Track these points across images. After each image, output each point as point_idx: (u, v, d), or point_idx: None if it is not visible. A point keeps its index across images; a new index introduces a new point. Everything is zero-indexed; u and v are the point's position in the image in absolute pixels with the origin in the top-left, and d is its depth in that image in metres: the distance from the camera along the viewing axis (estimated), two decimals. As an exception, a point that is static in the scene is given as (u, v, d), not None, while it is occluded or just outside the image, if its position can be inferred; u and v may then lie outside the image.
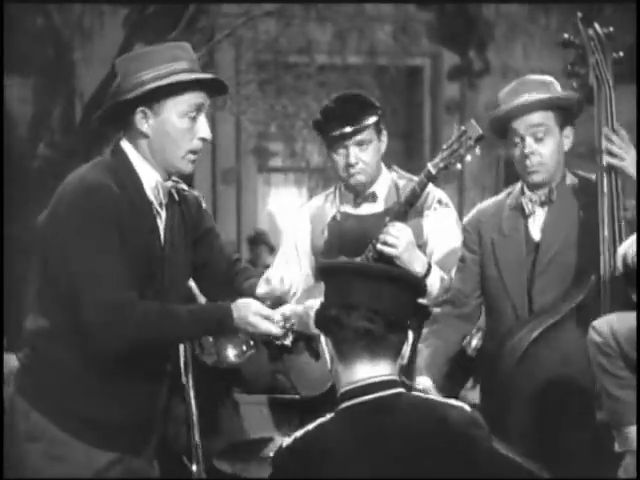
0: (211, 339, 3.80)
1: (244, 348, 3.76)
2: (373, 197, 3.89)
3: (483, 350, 3.67)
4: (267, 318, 3.06)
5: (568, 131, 3.55)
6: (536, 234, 3.54)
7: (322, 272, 2.77)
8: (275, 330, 3.07)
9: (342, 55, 9.52)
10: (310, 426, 2.58)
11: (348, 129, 3.76)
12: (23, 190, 7.35)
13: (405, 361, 2.65)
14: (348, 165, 3.79)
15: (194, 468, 3.68)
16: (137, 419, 3.07)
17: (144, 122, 3.01)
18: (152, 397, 3.11)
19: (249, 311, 3.04)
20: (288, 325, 3.11)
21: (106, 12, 8.30)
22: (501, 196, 3.72)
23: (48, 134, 8.28)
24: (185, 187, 3.14)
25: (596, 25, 3.43)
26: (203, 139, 3.05)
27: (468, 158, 3.48)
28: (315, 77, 8.97)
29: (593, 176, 3.56)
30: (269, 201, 11.02)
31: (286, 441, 2.58)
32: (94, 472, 3.02)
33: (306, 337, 3.92)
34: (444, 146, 3.54)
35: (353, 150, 3.78)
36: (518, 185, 3.65)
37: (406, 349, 2.63)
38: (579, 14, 3.42)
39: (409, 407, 2.57)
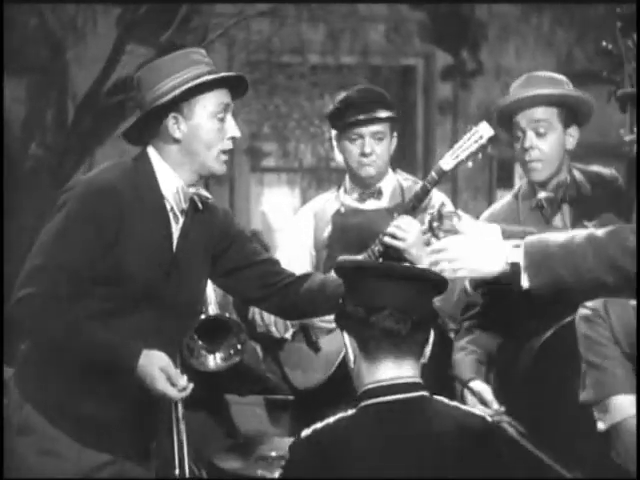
0: (200, 342, 3.80)
1: (231, 352, 3.76)
2: (379, 193, 3.92)
3: (498, 351, 3.67)
4: (169, 379, 2.95)
5: (573, 130, 3.55)
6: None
7: (342, 271, 2.76)
8: (172, 393, 2.97)
9: (335, 55, 9.51)
10: (331, 419, 2.60)
11: (368, 116, 3.81)
12: (16, 190, 7.33)
13: (426, 360, 2.66)
14: (362, 154, 3.84)
15: (177, 472, 3.67)
16: (131, 423, 3.06)
17: (176, 128, 3.06)
18: (143, 401, 3.09)
19: (156, 364, 2.94)
20: (185, 393, 2.99)
21: (99, 12, 8.28)
22: (510, 197, 3.72)
23: (41, 134, 8.26)
24: (208, 195, 3.16)
25: (634, 35, 3.46)
26: (233, 138, 3.11)
27: (479, 156, 3.52)
28: (308, 77, 8.96)
29: (601, 169, 3.57)
30: (262, 201, 11.01)
31: (305, 432, 2.59)
32: (84, 470, 3.02)
33: (305, 330, 3.93)
34: (456, 145, 3.58)
35: (369, 140, 3.84)
36: (523, 186, 3.65)
37: (428, 349, 2.64)
38: (618, 24, 3.46)
39: (431, 412, 2.58)
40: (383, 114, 3.84)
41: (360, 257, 3.76)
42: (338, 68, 9.40)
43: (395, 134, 3.96)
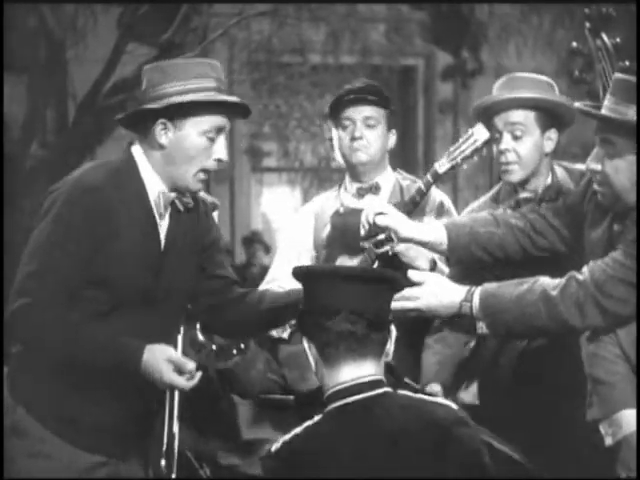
0: (202, 338, 3.79)
1: (234, 352, 3.76)
2: (376, 188, 3.90)
3: (479, 351, 3.67)
4: (177, 369, 2.93)
5: (551, 133, 3.53)
6: None
7: (299, 276, 2.74)
8: (181, 383, 2.94)
9: (335, 55, 9.52)
10: (298, 429, 2.59)
11: (358, 96, 3.83)
12: (16, 190, 7.34)
13: (390, 358, 2.66)
14: (353, 139, 3.83)
15: (163, 462, 3.65)
16: (123, 424, 3.05)
17: (163, 134, 3.01)
18: (137, 402, 3.08)
19: (160, 357, 2.92)
20: (194, 381, 2.96)
21: (99, 12, 8.29)
22: (490, 195, 3.71)
23: (41, 134, 8.27)
24: (190, 200, 3.12)
25: (603, 35, 3.46)
26: (219, 160, 3.04)
27: (475, 159, 3.50)
28: (308, 77, 8.98)
29: (583, 167, 3.57)
30: (262, 201, 11.02)
31: (274, 445, 2.58)
32: (77, 472, 3.01)
33: None
34: (452, 147, 3.55)
35: (360, 125, 3.83)
36: (504, 187, 3.65)
37: (390, 346, 2.64)
38: (587, 24, 3.47)
39: (396, 406, 2.58)
40: (372, 97, 3.85)
41: (357, 260, 3.76)
42: (338, 68, 9.41)
43: (393, 131, 3.93)
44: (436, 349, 3.55)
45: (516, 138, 3.49)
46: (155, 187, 3.06)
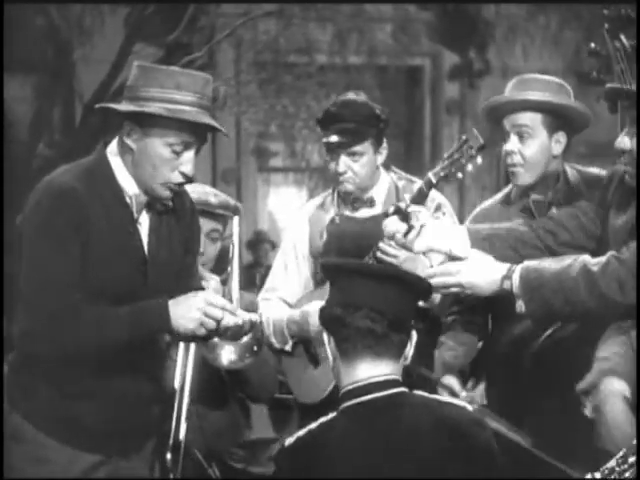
0: (216, 339, 3.76)
1: (247, 353, 3.74)
2: (371, 203, 3.88)
3: (489, 351, 3.66)
4: (209, 314, 2.89)
5: (560, 136, 3.52)
6: None
7: (327, 270, 2.77)
8: (232, 320, 2.92)
9: (342, 55, 9.51)
10: (312, 425, 2.59)
11: (339, 139, 3.75)
12: (23, 190, 7.34)
13: (408, 361, 2.65)
14: (337, 173, 3.79)
15: (169, 456, 3.65)
16: (120, 422, 3.04)
17: (129, 137, 2.96)
18: (139, 399, 3.07)
19: (192, 307, 2.89)
20: (234, 318, 2.93)
21: (106, 12, 8.29)
22: (499, 197, 3.70)
23: (48, 134, 8.28)
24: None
25: (622, 36, 3.45)
26: (183, 174, 2.95)
27: (469, 167, 3.45)
28: (315, 77, 8.96)
29: (596, 170, 3.56)
30: (269, 201, 11.02)
31: (288, 440, 2.59)
32: (76, 474, 3.01)
33: (305, 342, 3.91)
34: (445, 155, 3.51)
35: (343, 159, 3.77)
36: (515, 188, 3.64)
37: (409, 350, 2.63)
38: (606, 25, 3.46)
39: (411, 406, 2.58)
40: (360, 136, 3.73)
41: None
42: (345, 68, 9.40)
43: (384, 145, 3.84)
44: (450, 345, 3.56)
45: (522, 140, 3.48)
46: (130, 188, 3.00)
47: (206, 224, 3.88)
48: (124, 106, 2.95)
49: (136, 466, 3.13)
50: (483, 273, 3.09)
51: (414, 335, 2.65)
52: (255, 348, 3.71)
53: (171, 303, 2.89)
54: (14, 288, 3.03)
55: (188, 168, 2.95)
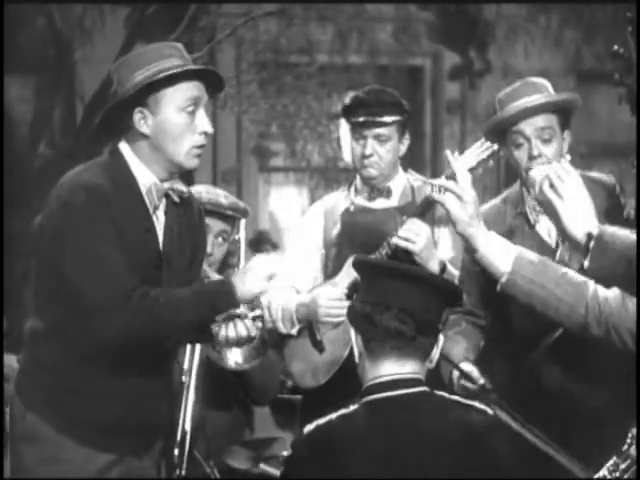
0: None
1: (253, 354, 3.73)
2: (388, 192, 3.93)
3: (492, 349, 3.66)
4: (269, 275, 2.93)
5: (567, 134, 3.55)
6: (551, 241, 3.52)
7: (359, 268, 2.76)
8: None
9: (343, 55, 9.51)
10: (333, 415, 2.60)
11: (364, 119, 3.81)
12: (23, 190, 7.35)
13: (433, 365, 2.66)
14: (363, 156, 3.85)
15: (176, 452, 3.65)
16: (134, 421, 3.05)
17: (143, 123, 2.99)
18: (151, 398, 3.09)
19: (254, 278, 2.92)
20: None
21: (107, 12, 8.30)
22: (498, 201, 3.71)
23: (49, 134, 8.28)
24: (184, 189, 3.11)
25: None
26: (204, 133, 3.01)
27: (490, 163, 3.50)
28: (316, 77, 8.97)
29: (596, 175, 3.57)
30: (270, 201, 11.02)
31: (307, 428, 2.60)
32: (90, 474, 3.01)
33: (310, 328, 3.93)
34: (467, 151, 3.58)
35: (371, 142, 3.85)
36: (515, 189, 3.64)
37: (436, 352, 2.64)
38: (629, 28, 3.46)
39: (432, 406, 2.59)
40: (387, 118, 3.82)
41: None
42: (346, 68, 9.40)
43: (407, 136, 3.95)
44: (457, 339, 3.56)
45: (545, 142, 3.48)
46: (147, 180, 3.03)
47: (216, 225, 3.90)
48: (131, 91, 2.97)
49: (147, 466, 3.14)
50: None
51: (441, 338, 2.66)
52: (261, 350, 3.72)
53: (233, 280, 2.94)
54: (20, 287, 3.02)
55: (206, 125, 3.00)
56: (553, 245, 3.53)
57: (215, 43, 8.24)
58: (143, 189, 3.03)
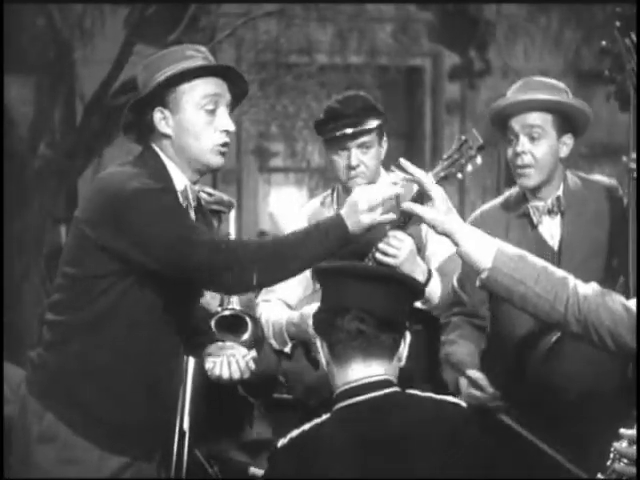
0: (217, 336, 3.77)
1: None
2: None
3: (493, 353, 3.65)
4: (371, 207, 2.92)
5: (567, 138, 3.52)
6: (553, 243, 3.52)
7: (317, 274, 2.79)
8: (385, 218, 2.96)
9: (343, 55, 9.51)
10: (306, 426, 2.60)
11: (350, 130, 3.75)
12: (23, 190, 7.35)
13: (403, 363, 2.65)
14: (349, 167, 3.77)
15: (174, 458, 3.65)
16: (148, 422, 3.05)
17: (164, 123, 3.00)
18: (164, 399, 3.09)
19: (358, 213, 2.91)
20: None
21: (107, 12, 8.30)
22: (499, 201, 3.70)
23: (49, 134, 8.27)
24: (212, 192, 3.13)
25: (632, 34, 3.45)
26: (226, 131, 3.01)
27: (469, 168, 3.45)
28: (316, 77, 8.97)
29: (598, 178, 3.57)
30: (270, 201, 11.02)
31: (281, 441, 2.59)
32: (106, 475, 3.01)
33: (305, 345, 3.91)
34: (445, 156, 3.50)
35: (355, 152, 3.76)
36: (516, 190, 3.64)
37: (403, 350, 2.64)
38: (617, 23, 3.45)
39: (404, 406, 2.59)
40: (368, 124, 3.75)
41: None
42: (346, 68, 9.40)
43: (385, 139, 3.87)
44: (460, 343, 3.55)
45: (533, 141, 3.47)
46: (180, 181, 3.04)
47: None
48: (148, 89, 2.97)
49: (155, 470, 3.14)
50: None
51: (408, 336, 2.65)
52: (255, 346, 3.72)
53: (345, 216, 2.93)
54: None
55: (227, 123, 3.00)
56: (556, 247, 3.52)
57: (215, 43, 8.23)
58: (179, 190, 3.04)
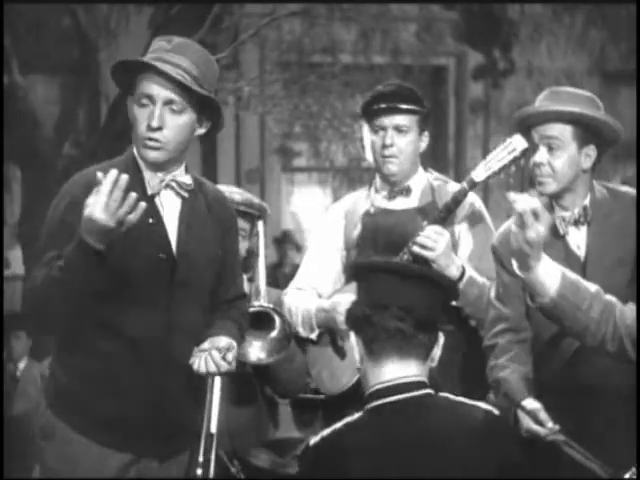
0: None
1: (275, 348, 3.72)
2: (407, 191, 3.90)
3: (537, 362, 3.62)
4: None
5: (590, 150, 3.47)
6: (580, 253, 3.50)
7: (354, 270, 2.76)
8: None
9: (366, 55, 9.52)
10: (338, 425, 2.58)
11: (385, 104, 3.83)
12: (48, 189, 7.39)
13: (435, 363, 2.65)
14: (384, 146, 3.83)
15: (200, 459, 3.65)
16: (151, 420, 3.05)
17: (130, 112, 3.06)
18: (170, 398, 3.09)
19: None
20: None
21: (131, 12, 8.33)
22: None
23: (74, 134, 8.31)
24: (187, 181, 3.10)
25: None
26: (149, 127, 2.98)
27: (512, 169, 3.47)
28: (339, 77, 8.97)
29: (625, 189, 3.55)
30: (293, 200, 11.03)
31: (314, 439, 2.58)
32: (106, 474, 3.02)
33: (332, 332, 3.92)
34: (489, 156, 3.55)
35: (390, 132, 3.83)
36: (543, 199, 3.61)
37: (436, 351, 2.63)
38: None
39: (437, 408, 2.57)
40: (405, 105, 3.84)
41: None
42: (369, 68, 9.40)
43: (426, 133, 3.92)
44: (513, 367, 3.48)
45: (551, 151, 3.45)
46: (147, 170, 3.09)
47: None
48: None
49: (172, 471, 3.14)
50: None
51: (441, 337, 2.64)
52: (284, 344, 3.71)
53: None
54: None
55: (151, 119, 2.98)
56: (582, 257, 3.49)
57: (239, 43, 8.25)
58: (146, 181, 3.06)
